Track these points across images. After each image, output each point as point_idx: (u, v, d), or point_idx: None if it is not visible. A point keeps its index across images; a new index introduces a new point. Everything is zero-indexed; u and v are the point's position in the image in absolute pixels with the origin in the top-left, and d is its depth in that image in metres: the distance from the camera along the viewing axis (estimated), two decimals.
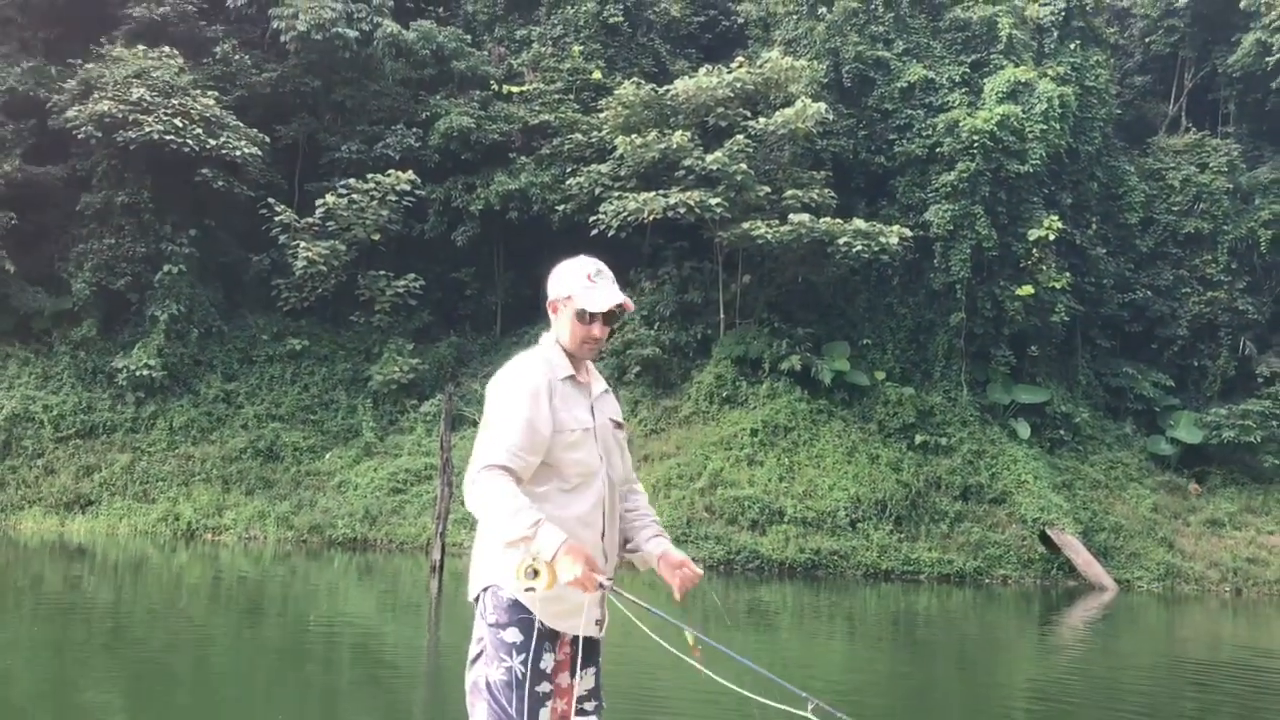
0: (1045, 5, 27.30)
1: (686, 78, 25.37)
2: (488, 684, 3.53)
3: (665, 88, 25.28)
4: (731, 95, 24.90)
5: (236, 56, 27.65)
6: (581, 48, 28.10)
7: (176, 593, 16.34)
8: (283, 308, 26.86)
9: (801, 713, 3.45)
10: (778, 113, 24.36)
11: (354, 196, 25.52)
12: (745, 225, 23.40)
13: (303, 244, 25.40)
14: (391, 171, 25.86)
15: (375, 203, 25.64)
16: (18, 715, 8.20)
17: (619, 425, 3.86)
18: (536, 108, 27.33)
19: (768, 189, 24.23)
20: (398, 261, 27.21)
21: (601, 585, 3.39)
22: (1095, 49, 27.74)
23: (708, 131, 25.27)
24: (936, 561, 22.12)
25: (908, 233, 24.03)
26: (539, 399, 3.54)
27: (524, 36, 29.23)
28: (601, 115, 25.87)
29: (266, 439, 24.50)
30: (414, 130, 27.49)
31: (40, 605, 14.22)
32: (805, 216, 23.30)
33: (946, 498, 23.33)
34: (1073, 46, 27.07)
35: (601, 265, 3.75)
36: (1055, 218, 25.10)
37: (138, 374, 24.47)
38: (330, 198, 25.52)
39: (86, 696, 8.95)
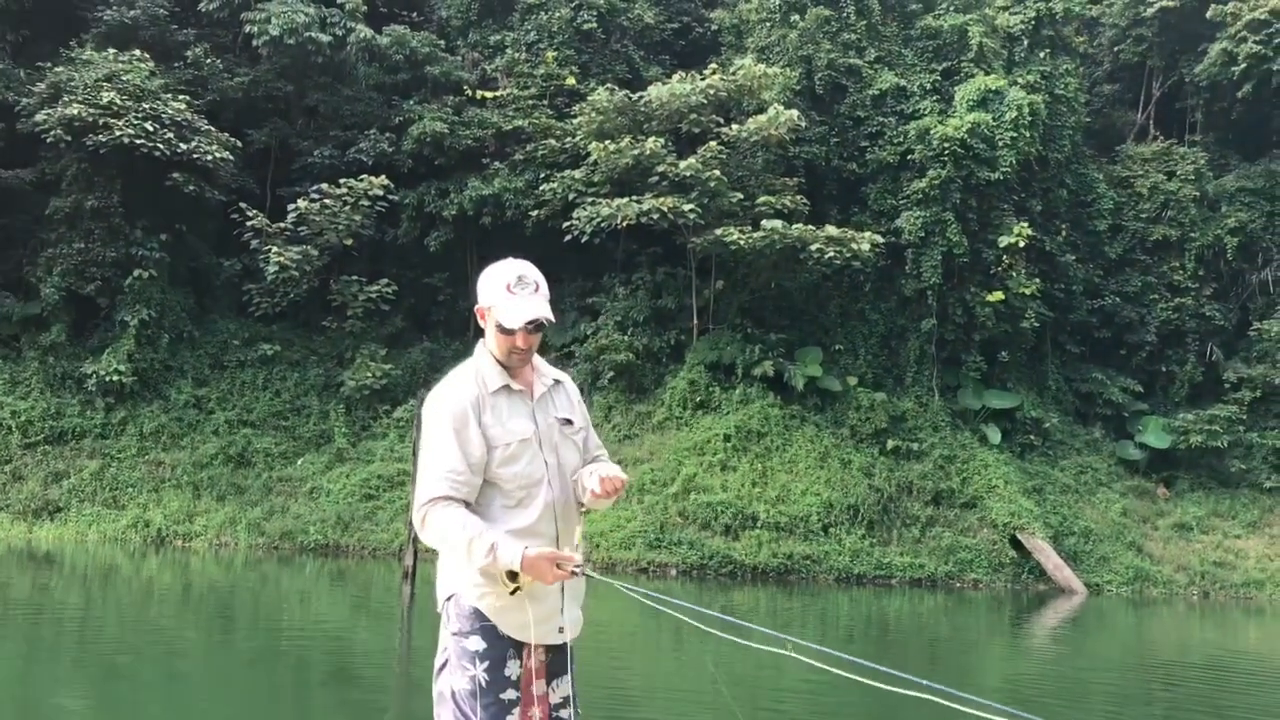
0: (1015, 14, 27.55)
1: (660, 84, 25.44)
2: (452, 693, 3.52)
3: (639, 94, 25.33)
4: (705, 102, 24.98)
5: (208, 61, 27.46)
6: (555, 54, 28.11)
7: (146, 600, 16.21)
8: (254, 313, 26.68)
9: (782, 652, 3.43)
10: (751, 119, 24.46)
11: (326, 201, 25.39)
12: (718, 231, 23.48)
13: (275, 249, 25.26)
14: (364, 176, 25.75)
15: (348, 208, 25.54)
16: None
17: (568, 421, 3.72)
18: (510, 113, 27.31)
19: (741, 195, 24.33)
20: (370, 267, 27.11)
21: (574, 571, 3.41)
22: (1065, 57, 28.03)
23: (681, 138, 25.35)
24: (908, 566, 22.25)
25: (879, 239, 24.16)
26: (465, 422, 3.50)
27: (498, 42, 29.21)
28: (575, 121, 25.88)
29: (238, 445, 24.32)
30: (387, 135, 27.41)
31: (9, 612, 14.07)
32: (778, 223, 23.40)
33: (918, 502, 23.47)
34: (1042, 55, 27.33)
35: (526, 271, 3.57)
36: (1025, 225, 25.32)
37: (107, 379, 24.24)
38: (302, 202, 25.38)
39: (53, 703, 8.87)
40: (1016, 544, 22.96)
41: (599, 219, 23.89)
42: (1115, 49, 31.63)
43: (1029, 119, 25.50)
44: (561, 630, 3.61)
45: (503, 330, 3.56)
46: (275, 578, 19.30)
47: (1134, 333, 28.06)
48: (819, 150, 26.50)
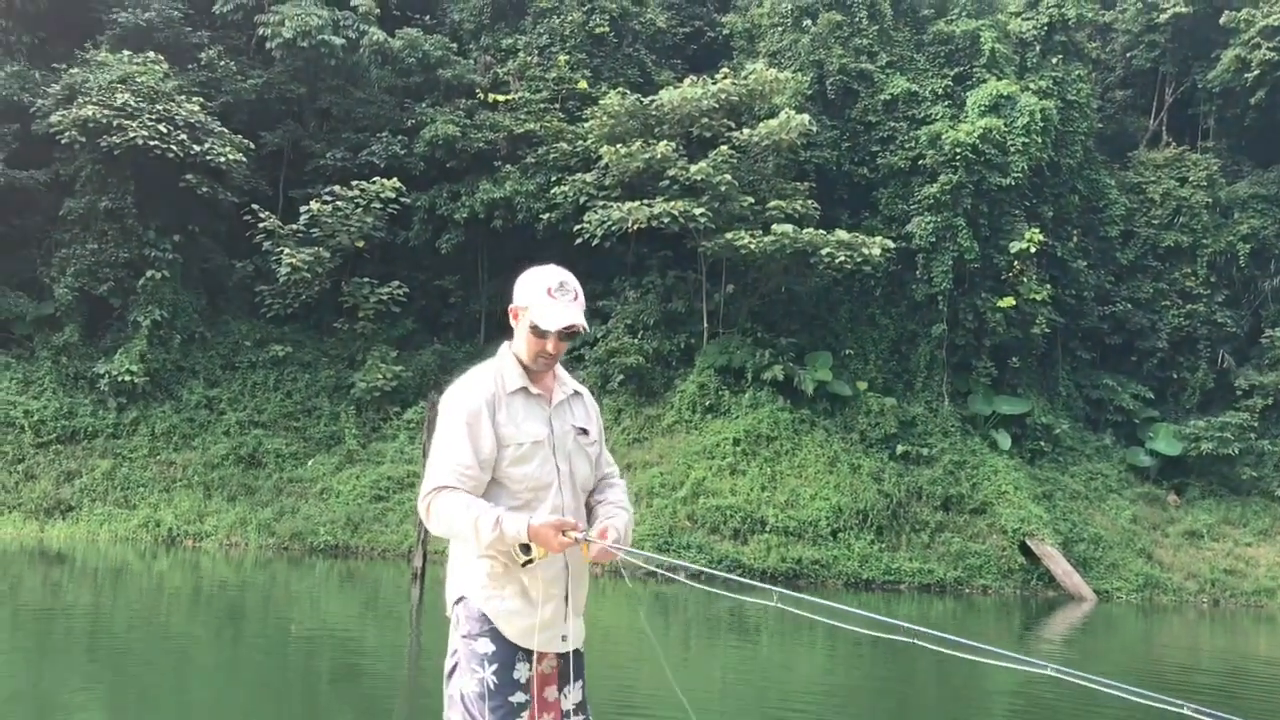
0: (1028, 20, 27.55)
1: (671, 88, 25.47)
2: (462, 696, 3.53)
3: (650, 98, 25.37)
4: (716, 106, 25.00)
5: (222, 63, 27.60)
6: (567, 57, 28.17)
7: (157, 599, 16.28)
8: (266, 314, 26.79)
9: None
10: (762, 124, 24.47)
11: (339, 203, 25.49)
12: (729, 235, 23.49)
13: (287, 250, 25.35)
14: (376, 179, 25.84)
15: (360, 210, 25.62)
16: None
17: (584, 431, 3.73)
18: (522, 116, 27.37)
19: (751, 199, 24.34)
20: (382, 269, 27.19)
21: (577, 539, 3.44)
22: (1077, 63, 27.98)
23: (692, 142, 25.37)
24: (917, 571, 22.22)
25: (890, 244, 24.16)
26: (478, 418, 3.52)
27: (510, 45, 29.27)
28: (587, 125, 25.93)
29: (249, 445, 24.41)
30: (399, 138, 27.49)
31: (20, 610, 14.15)
32: (788, 227, 23.41)
33: (927, 508, 23.44)
34: (1055, 61, 27.30)
35: (566, 278, 3.59)
36: (1036, 230, 25.29)
37: (120, 379, 24.36)
38: (315, 204, 25.48)
39: (64, 699, 8.92)
40: (1026, 550, 22.92)
41: (610, 222, 23.93)
42: (1128, 55, 31.59)
43: (1041, 124, 25.46)
44: (565, 639, 3.62)
45: (537, 332, 3.56)
46: (285, 578, 19.36)
47: (1145, 339, 28.00)
48: (830, 155, 26.51)
